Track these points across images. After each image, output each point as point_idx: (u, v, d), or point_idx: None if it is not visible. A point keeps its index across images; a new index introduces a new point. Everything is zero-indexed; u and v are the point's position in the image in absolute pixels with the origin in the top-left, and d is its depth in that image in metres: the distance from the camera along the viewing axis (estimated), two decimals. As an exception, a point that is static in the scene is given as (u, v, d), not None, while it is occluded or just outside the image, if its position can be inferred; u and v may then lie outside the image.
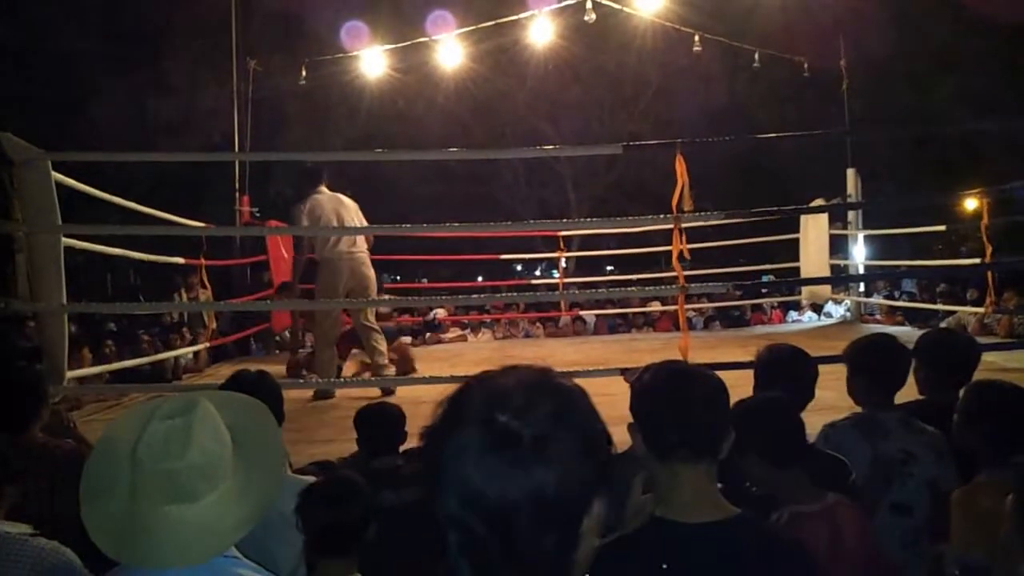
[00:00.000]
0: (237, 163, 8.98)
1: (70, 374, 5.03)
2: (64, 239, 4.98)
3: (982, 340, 7.00)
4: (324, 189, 6.13)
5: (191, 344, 7.81)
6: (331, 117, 14.69)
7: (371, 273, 6.29)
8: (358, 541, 2.12)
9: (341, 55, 10.99)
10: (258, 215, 8.98)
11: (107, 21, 12.25)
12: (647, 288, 8.64)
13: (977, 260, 8.32)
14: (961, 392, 2.47)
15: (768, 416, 2.10)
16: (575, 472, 0.94)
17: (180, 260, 7.16)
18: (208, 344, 7.51)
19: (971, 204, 11.23)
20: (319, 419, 4.92)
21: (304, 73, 10.50)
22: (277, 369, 6.84)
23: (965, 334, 5.92)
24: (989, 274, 7.51)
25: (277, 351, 8.90)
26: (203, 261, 7.26)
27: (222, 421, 1.56)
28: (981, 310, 8.04)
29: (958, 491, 2.24)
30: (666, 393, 1.65)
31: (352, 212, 6.21)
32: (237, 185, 8.86)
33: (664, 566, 1.51)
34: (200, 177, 12.34)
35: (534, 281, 12.88)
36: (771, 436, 2.06)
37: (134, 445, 1.47)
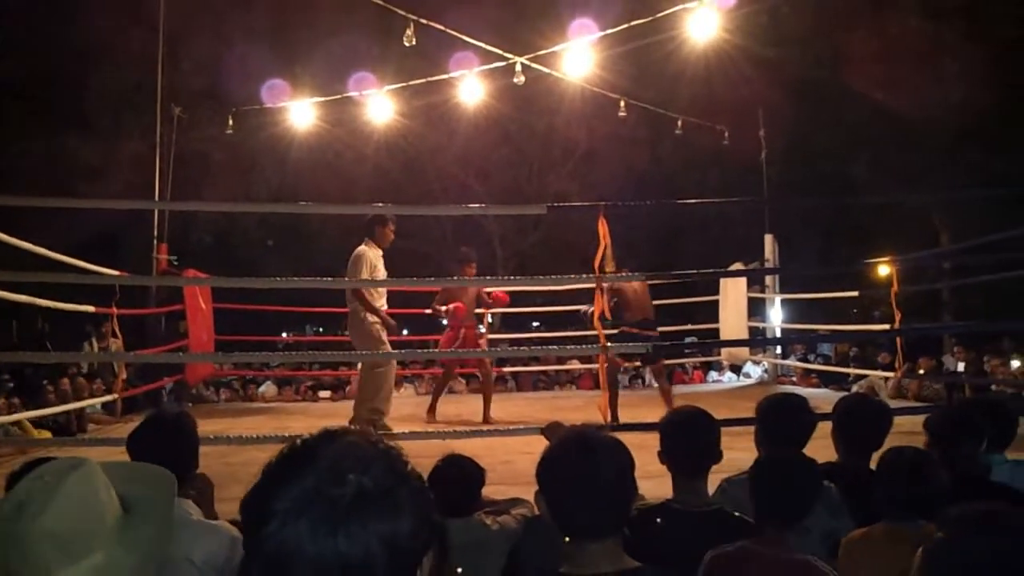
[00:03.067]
0: (157, 211, 8.82)
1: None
2: (-33, 284, 4.79)
3: (895, 403, 7.29)
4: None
5: (100, 395, 7.53)
6: (257, 167, 14.55)
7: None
8: None
9: (269, 105, 10.96)
10: (176, 264, 8.80)
11: (26, 58, 11.89)
12: (568, 347, 8.74)
13: (887, 326, 8.65)
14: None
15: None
16: (420, 519, 0.98)
17: (90, 308, 6.94)
18: (118, 395, 7.25)
19: (884, 270, 11.69)
20: (232, 475, 4.77)
21: (231, 122, 10.45)
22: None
23: (878, 400, 6.13)
24: (899, 339, 7.79)
25: (190, 404, 8.64)
26: (115, 310, 7.04)
27: (109, 489, 1.43)
28: (891, 374, 8.35)
29: (848, 535, 2.33)
30: (572, 477, 1.66)
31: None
32: (156, 232, 8.69)
33: None
34: (117, 224, 11.99)
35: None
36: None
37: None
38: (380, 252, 6.55)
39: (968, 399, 6.79)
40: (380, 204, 8.17)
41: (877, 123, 13.93)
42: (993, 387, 8.77)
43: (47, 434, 6.22)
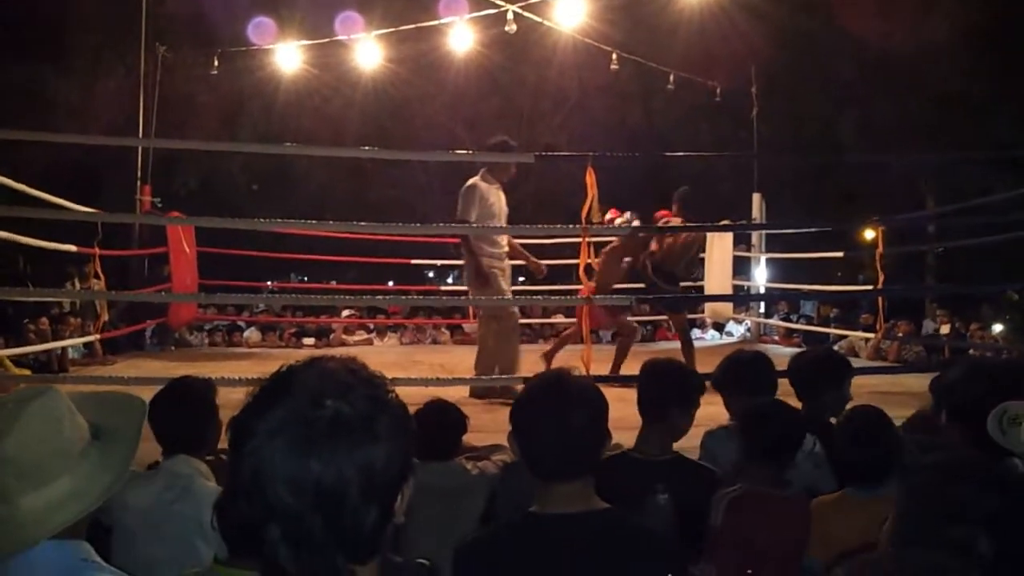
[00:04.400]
0: (140, 151, 8.69)
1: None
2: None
3: (874, 364, 7.38)
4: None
5: (82, 336, 7.49)
6: (243, 110, 14.31)
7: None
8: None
9: (255, 47, 10.75)
10: (160, 206, 8.69)
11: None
12: (554, 298, 8.72)
13: (870, 287, 8.65)
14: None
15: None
16: (397, 447, 1.01)
17: (72, 248, 6.86)
18: (98, 336, 7.20)
19: (870, 233, 11.67)
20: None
21: (216, 63, 10.25)
22: (174, 364, 6.63)
23: (825, 348, 6.29)
24: (880, 301, 7.76)
25: (173, 347, 8.62)
26: (97, 250, 6.96)
27: (74, 416, 1.43)
28: (872, 335, 8.40)
29: (815, 501, 2.38)
30: (544, 419, 1.70)
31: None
32: (139, 174, 8.57)
33: (529, 547, 1.66)
34: (100, 164, 11.74)
35: (444, 288, 12.86)
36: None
37: None
38: (499, 186, 5.68)
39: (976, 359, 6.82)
40: (367, 148, 8.04)
41: (866, 82, 13.87)
42: (972, 351, 8.88)
43: (26, 371, 6.20)
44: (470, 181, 5.62)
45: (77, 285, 8.48)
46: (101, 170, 11.51)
